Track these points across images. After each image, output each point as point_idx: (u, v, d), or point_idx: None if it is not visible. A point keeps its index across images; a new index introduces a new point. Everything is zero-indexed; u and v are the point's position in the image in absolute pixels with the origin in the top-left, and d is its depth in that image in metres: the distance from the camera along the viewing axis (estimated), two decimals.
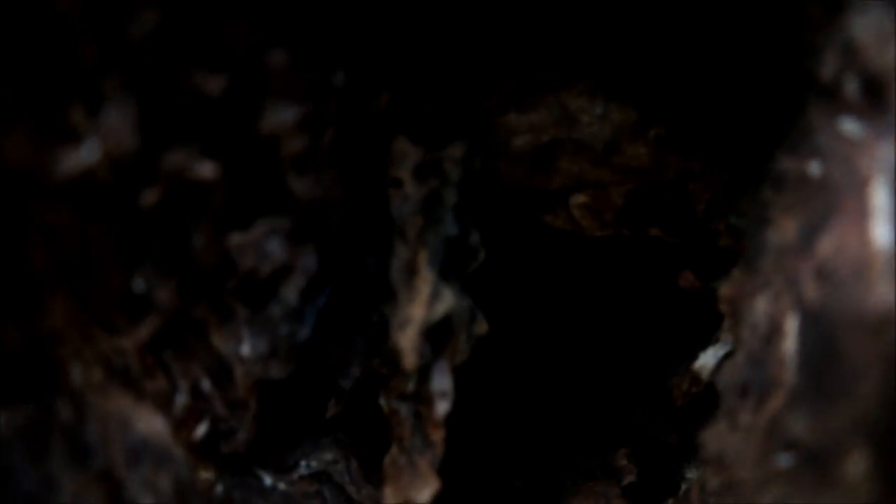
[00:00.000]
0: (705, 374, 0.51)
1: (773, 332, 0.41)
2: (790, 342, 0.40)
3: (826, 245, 0.37)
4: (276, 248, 0.42)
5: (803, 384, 0.38)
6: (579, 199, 0.53)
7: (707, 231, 0.53)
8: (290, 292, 0.43)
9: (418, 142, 0.48)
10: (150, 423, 0.40)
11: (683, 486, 0.60)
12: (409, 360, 0.45)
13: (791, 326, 0.40)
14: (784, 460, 0.39)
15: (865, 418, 0.35)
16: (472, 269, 0.48)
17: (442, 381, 0.46)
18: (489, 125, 0.51)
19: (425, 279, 0.44)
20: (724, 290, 0.47)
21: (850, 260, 0.35)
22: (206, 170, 0.37)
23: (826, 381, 0.37)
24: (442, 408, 0.46)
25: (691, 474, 0.61)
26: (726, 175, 0.51)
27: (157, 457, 0.40)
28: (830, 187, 0.38)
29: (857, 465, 0.35)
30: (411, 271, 0.45)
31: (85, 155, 0.34)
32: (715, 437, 0.44)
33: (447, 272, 0.46)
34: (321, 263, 0.45)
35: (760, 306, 0.43)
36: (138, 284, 0.41)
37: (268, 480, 0.51)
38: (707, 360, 0.51)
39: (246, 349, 0.45)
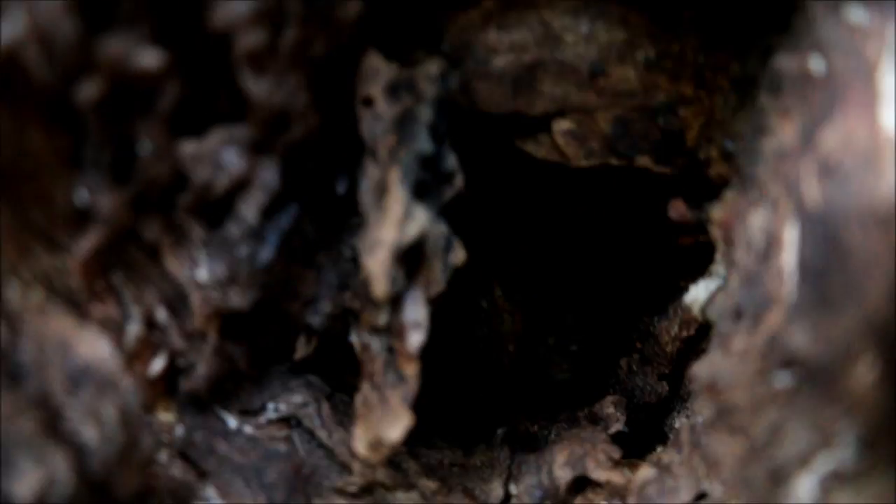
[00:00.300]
0: (696, 308, 0.47)
1: (771, 247, 0.38)
2: (789, 254, 0.36)
3: (830, 138, 0.33)
4: (233, 160, 0.38)
5: (804, 296, 0.35)
6: (563, 125, 0.49)
7: (698, 160, 0.50)
8: (249, 209, 0.40)
9: (391, 57, 0.44)
10: (94, 348, 0.37)
11: (672, 436, 0.57)
12: (380, 286, 0.41)
13: (790, 237, 0.36)
14: (782, 380, 0.35)
15: (873, 321, 0.31)
16: (448, 197, 0.44)
17: (415, 312, 0.42)
18: (467, 43, 0.47)
19: (396, 198, 0.41)
20: (717, 213, 0.44)
21: (857, 150, 0.31)
22: (151, 59, 0.33)
23: (830, 287, 0.33)
24: (415, 340, 0.42)
25: (680, 424, 0.57)
26: (719, 96, 0.48)
27: (100, 384, 0.36)
28: (834, 79, 0.34)
29: (863, 376, 0.32)
30: (382, 190, 0.41)
31: (7, 28, 0.30)
32: (707, 365, 0.40)
33: (420, 192, 0.42)
34: (285, 180, 0.41)
35: (756, 222, 0.39)
36: (81, 195, 0.37)
37: (232, 423, 0.48)
38: (698, 293, 0.47)
39: (203, 273, 0.41)
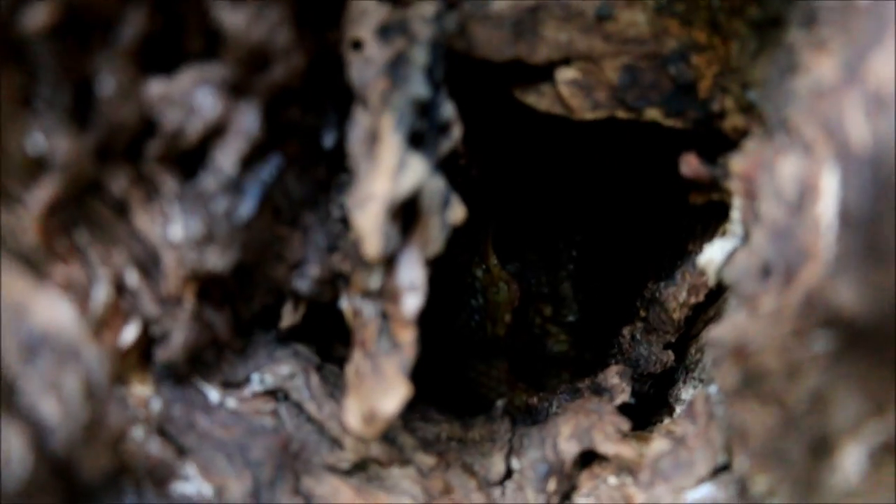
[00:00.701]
0: (712, 270, 0.42)
1: (805, 197, 0.33)
2: (827, 202, 0.31)
3: (881, 68, 0.28)
4: (207, 102, 0.33)
5: (847, 247, 0.30)
6: (568, 74, 0.44)
7: (712, 112, 0.45)
8: (227, 158, 0.34)
9: None
10: (54, 313, 0.31)
11: (680, 409, 0.52)
12: (372, 244, 0.36)
13: (829, 183, 0.31)
14: (823, 342, 0.30)
15: None
16: (446, 150, 0.39)
17: (411, 273, 0.37)
18: None
19: (389, 146, 0.36)
20: (737, 165, 0.39)
21: None
22: None
23: (879, 236, 0.28)
24: (411, 303, 0.37)
25: (687, 394, 0.53)
26: (735, 42, 0.43)
27: (60, 353, 0.31)
28: (883, 3, 0.29)
29: None
30: (373, 138, 0.36)
31: None
32: (730, 329, 0.35)
33: (416, 140, 0.37)
34: (267, 127, 0.36)
35: (787, 170, 0.34)
36: (35, 140, 0.32)
37: (214, 396, 0.43)
38: (714, 253, 0.42)
39: (177, 231, 0.36)
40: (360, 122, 0.37)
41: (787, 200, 0.34)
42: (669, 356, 0.54)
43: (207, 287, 0.39)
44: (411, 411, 0.48)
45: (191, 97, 0.33)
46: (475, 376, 0.67)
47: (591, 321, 0.69)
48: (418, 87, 0.37)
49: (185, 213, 0.35)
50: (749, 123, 0.43)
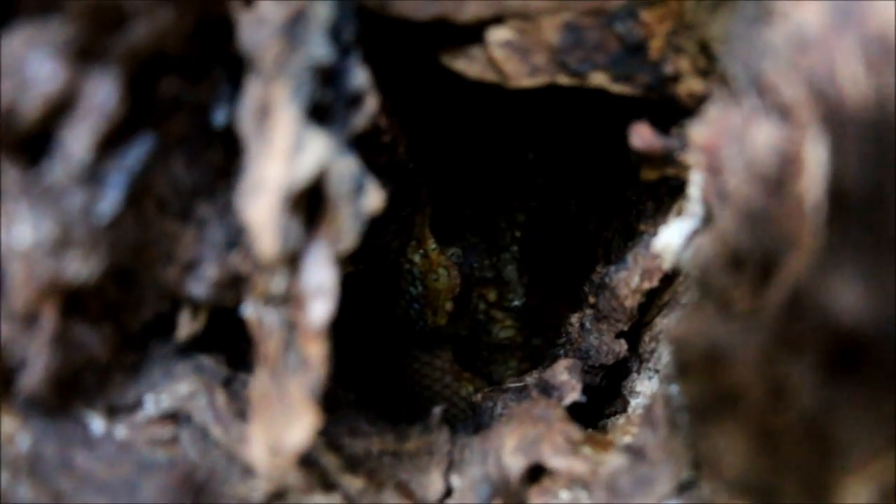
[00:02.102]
0: (670, 256, 0.36)
1: (785, 171, 0.26)
2: (812, 178, 0.25)
3: (884, 7, 0.22)
4: (44, 70, 0.25)
5: (842, 234, 0.23)
6: (500, 34, 0.37)
7: (665, 76, 0.38)
8: (78, 141, 0.27)
9: None
10: None
11: (635, 401, 0.46)
12: (266, 241, 0.29)
13: (815, 155, 0.25)
14: (816, 354, 0.24)
15: None
16: (359, 125, 0.32)
17: (318, 274, 0.30)
18: None
19: (284, 121, 0.28)
20: (699, 134, 0.32)
21: None
22: None
23: (886, 218, 0.22)
24: (319, 311, 0.30)
25: (642, 386, 0.47)
26: None
27: None
28: None
29: None
30: (265, 113, 0.29)
31: None
32: (699, 331, 0.29)
33: (319, 114, 0.30)
34: (132, 101, 0.28)
35: (761, 139, 0.28)
36: None
37: (97, 426, 0.35)
38: (671, 237, 0.36)
39: (24, 234, 0.28)
40: (250, 92, 0.30)
41: (762, 176, 0.28)
42: (622, 346, 0.48)
43: (77, 299, 0.32)
44: (337, 424, 0.41)
45: (23, 64, 0.25)
46: (418, 368, 0.61)
47: (537, 305, 0.63)
48: (319, 49, 0.30)
49: (32, 211, 0.28)
50: (708, 87, 0.37)
